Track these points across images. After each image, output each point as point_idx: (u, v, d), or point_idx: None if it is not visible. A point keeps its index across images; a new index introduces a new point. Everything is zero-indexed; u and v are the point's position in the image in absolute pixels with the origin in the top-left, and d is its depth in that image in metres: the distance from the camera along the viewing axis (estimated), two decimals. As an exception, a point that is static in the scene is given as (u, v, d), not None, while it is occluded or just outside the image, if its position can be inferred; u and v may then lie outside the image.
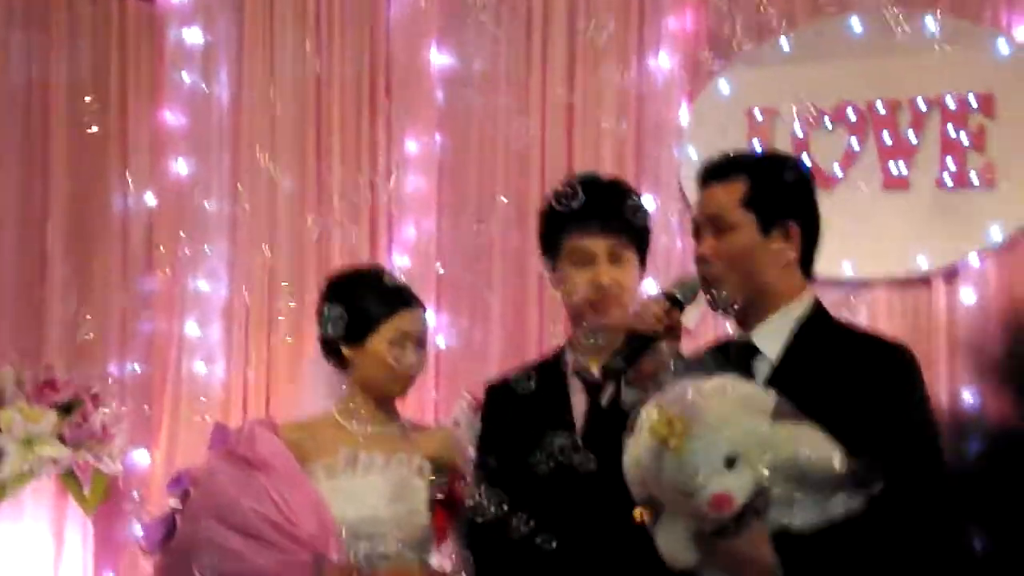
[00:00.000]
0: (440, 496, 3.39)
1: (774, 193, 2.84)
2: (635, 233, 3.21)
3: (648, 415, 2.55)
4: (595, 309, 3.16)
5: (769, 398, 2.58)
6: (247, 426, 3.46)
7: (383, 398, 3.44)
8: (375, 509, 3.30)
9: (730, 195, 2.83)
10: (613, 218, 3.16)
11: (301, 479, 3.30)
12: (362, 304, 3.40)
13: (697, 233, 2.88)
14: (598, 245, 3.15)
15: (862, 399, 2.65)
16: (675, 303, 2.87)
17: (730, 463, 2.50)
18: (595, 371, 3.13)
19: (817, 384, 2.68)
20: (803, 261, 2.87)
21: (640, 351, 2.83)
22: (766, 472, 2.50)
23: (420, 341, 3.43)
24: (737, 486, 2.50)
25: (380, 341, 3.38)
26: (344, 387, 3.45)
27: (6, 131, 5.54)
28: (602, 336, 3.14)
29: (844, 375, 2.70)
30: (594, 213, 3.15)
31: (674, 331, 2.85)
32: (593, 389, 3.13)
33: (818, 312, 2.87)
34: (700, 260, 2.85)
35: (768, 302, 2.83)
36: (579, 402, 3.16)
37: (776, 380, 2.72)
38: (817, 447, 2.52)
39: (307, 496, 3.27)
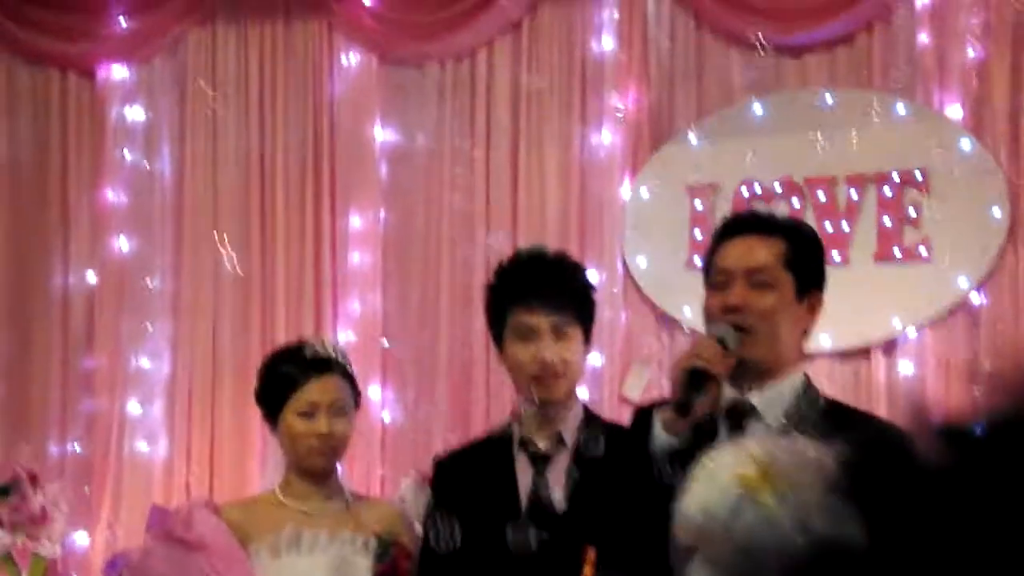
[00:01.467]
0: (384, 572, 3.35)
1: (810, 260, 2.83)
2: (580, 308, 3.20)
3: (739, 464, 2.32)
4: (538, 384, 3.16)
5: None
6: (185, 507, 3.42)
7: (315, 473, 3.39)
8: (317, 587, 3.27)
9: (771, 252, 2.78)
10: (557, 293, 3.14)
11: (239, 559, 3.25)
12: (272, 379, 3.37)
13: (724, 283, 2.79)
14: (542, 321, 3.13)
15: None
16: (725, 347, 2.75)
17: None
18: (540, 444, 3.14)
19: None
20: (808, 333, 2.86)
21: (698, 391, 2.69)
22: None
23: (338, 409, 3.34)
24: None
25: (290, 415, 3.34)
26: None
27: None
28: (546, 410, 3.15)
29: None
30: (538, 288, 3.13)
31: (724, 375, 2.74)
32: (538, 462, 3.14)
33: (811, 385, 2.83)
34: (731, 309, 2.76)
35: (777, 366, 2.78)
36: (525, 475, 3.15)
37: None
38: None
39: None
